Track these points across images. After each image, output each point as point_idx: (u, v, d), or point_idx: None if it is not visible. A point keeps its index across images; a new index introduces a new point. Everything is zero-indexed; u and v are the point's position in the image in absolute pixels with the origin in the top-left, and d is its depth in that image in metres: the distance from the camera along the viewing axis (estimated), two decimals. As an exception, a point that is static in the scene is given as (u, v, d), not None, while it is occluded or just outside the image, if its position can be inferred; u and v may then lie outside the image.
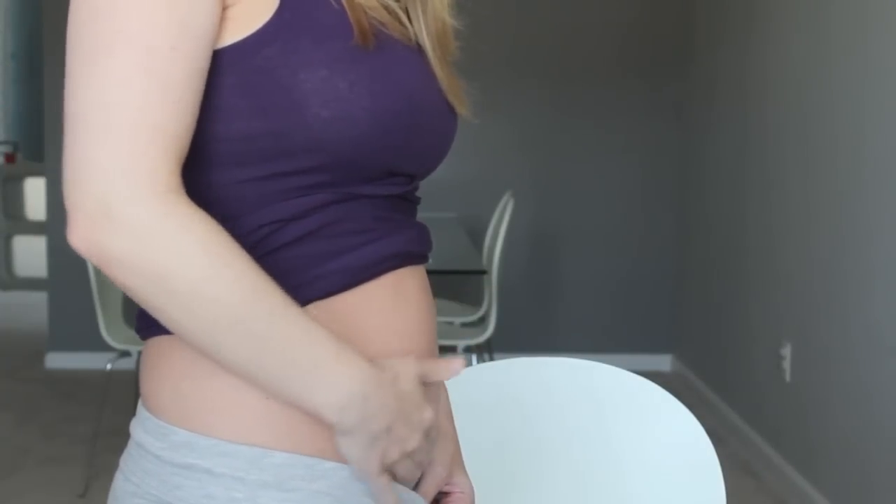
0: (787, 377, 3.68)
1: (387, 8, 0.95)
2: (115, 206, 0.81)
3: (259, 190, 0.90)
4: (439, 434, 0.98)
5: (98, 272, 3.47)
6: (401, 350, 0.96)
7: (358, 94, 0.89)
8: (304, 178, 0.90)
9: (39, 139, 5.48)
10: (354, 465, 0.90)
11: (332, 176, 0.91)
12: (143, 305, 0.85)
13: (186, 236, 0.82)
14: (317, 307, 0.92)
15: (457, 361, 0.94)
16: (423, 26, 0.98)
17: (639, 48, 5.22)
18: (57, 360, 5.21)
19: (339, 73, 0.89)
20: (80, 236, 0.83)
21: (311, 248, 0.92)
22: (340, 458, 0.91)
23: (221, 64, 0.88)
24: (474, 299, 4.41)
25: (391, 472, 0.91)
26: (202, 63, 0.86)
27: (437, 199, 4.56)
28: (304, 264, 0.91)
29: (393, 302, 0.96)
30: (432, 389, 0.96)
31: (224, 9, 0.88)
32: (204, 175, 0.90)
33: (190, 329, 0.84)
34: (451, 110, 1.00)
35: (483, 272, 3.89)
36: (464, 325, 4.19)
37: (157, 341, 0.94)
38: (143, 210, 0.81)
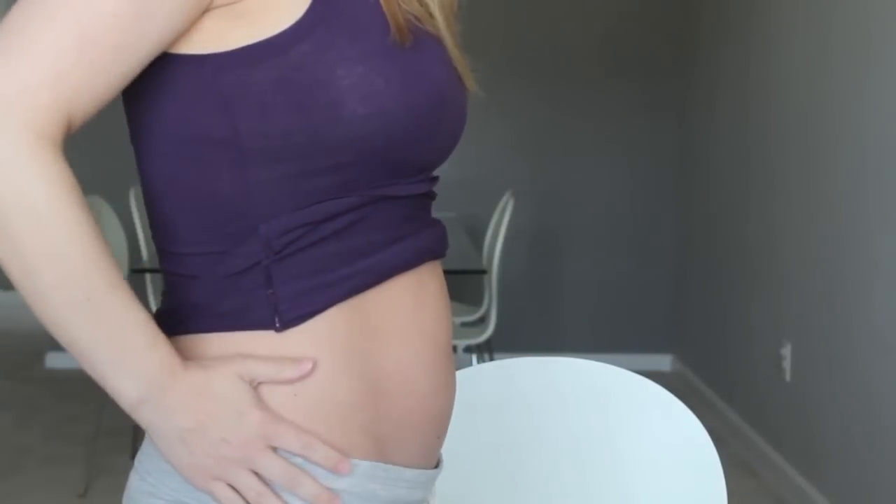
0: (787, 377, 3.68)
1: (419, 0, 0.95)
2: None
3: (293, 189, 0.89)
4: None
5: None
6: (422, 347, 0.96)
7: (394, 90, 0.89)
8: (337, 175, 0.90)
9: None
10: (180, 473, 0.88)
11: (363, 172, 0.90)
12: None
13: (38, 181, 0.81)
14: (343, 306, 0.92)
15: (303, 362, 0.89)
16: (436, 6, 0.96)
17: (639, 48, 5.22)
18: (57, 360, 5.20)
19: (376, 69, 0.88)
20: None
21: (340, 247, 0.91)
22: (357, 455, 0.92)
23: (253, 60, 0.87)
24: (474, 299, 4.41)
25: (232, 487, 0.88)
26: (140, 44, 0.84)
27: (437, 198, 4.53)
28: (332, 263, 0.91)
29: (415, 301, 0.96)
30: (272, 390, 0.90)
31: (229, 4, 0.87)
32: (241, 172, 0.89)
33: (14, 276, 0.84)
34: (464, 90, 1.00)
35: (483, 272, 3.89)
36: (464, 324, 4.19)
37: (176, 341, 0.93)
38: (5, 141, 0.80)
